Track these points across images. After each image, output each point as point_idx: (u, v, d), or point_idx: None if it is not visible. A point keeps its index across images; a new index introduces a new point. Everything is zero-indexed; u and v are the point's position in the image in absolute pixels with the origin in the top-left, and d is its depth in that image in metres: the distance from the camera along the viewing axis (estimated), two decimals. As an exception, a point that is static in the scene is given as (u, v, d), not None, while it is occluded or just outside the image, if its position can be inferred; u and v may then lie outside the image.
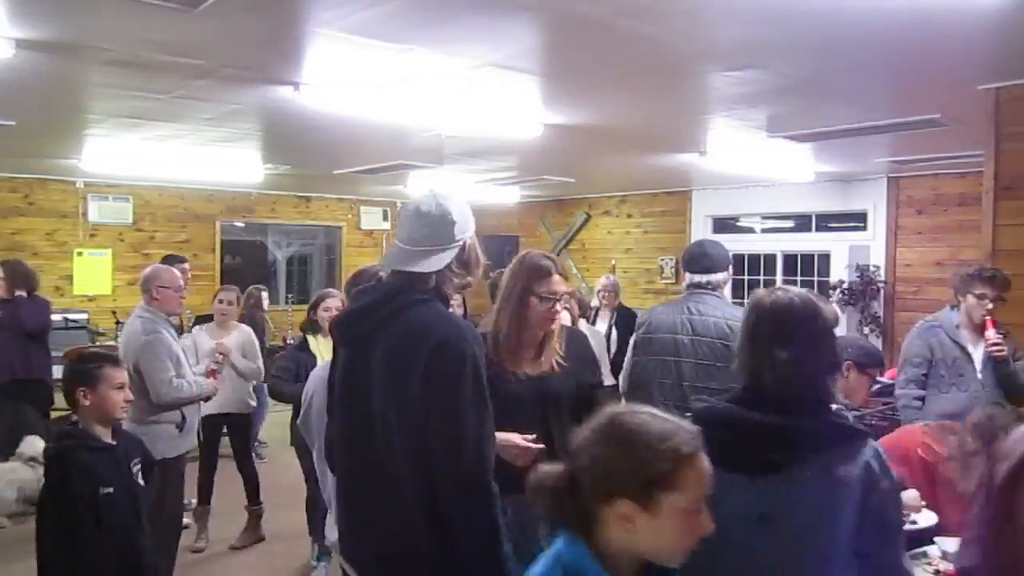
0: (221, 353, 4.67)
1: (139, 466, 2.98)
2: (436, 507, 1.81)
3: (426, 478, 1.81)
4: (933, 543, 2.69)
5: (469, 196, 10.71)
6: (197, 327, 5.63)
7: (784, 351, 1.71)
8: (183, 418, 4.14)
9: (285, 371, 4.66)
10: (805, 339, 1.72)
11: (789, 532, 1.62)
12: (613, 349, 6.45)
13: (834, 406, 1.92)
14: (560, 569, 1.34)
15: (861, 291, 8.85)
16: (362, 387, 1.92)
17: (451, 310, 2.04)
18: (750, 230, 10.84)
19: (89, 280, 10.26)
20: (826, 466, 1.62)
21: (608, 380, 4.51)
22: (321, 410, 2.48)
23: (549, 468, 1.41)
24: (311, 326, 4.81)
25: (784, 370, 1.71)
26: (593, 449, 1.37)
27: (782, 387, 1.71)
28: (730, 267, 3.50)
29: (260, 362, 5.54)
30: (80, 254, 10.28)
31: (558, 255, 13.10)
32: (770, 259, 10.41)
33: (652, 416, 1.39)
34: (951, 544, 2.64)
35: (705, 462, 1.36)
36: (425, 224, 1.89)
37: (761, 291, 1.86)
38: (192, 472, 4.88)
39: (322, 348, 4.62)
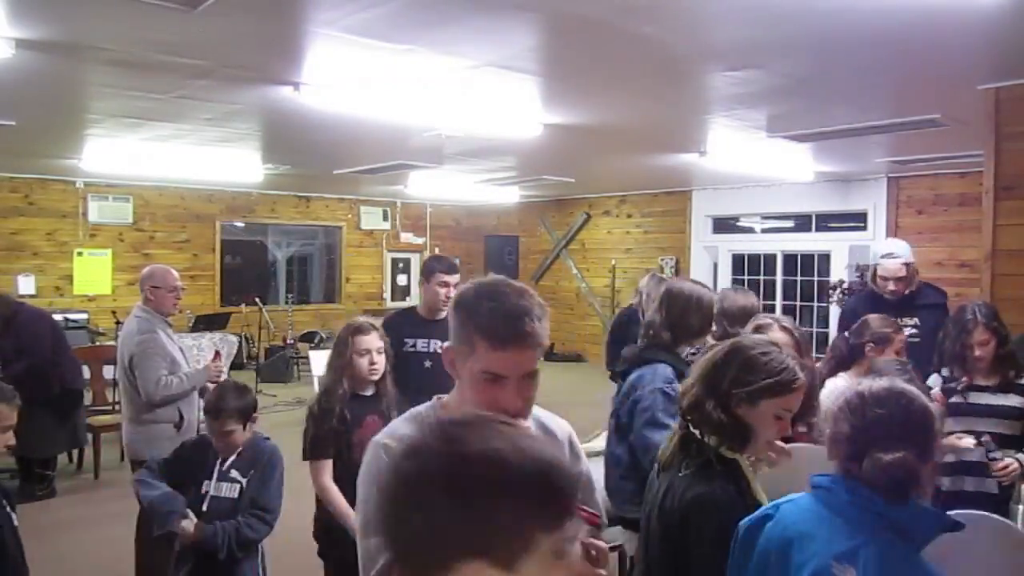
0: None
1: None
2: None
3: None
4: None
5: (469, 196, 10.60)
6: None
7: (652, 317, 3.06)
8: (180, 417, 4.12)
9: None
10: (665, 311, 3.00)
11: (624, 409, 2.96)
12: None
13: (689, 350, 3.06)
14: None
15: (861, 291, 8.82)
16: None
17: None
18: (750, 230, 10.84)
19: (89, 280, 10.27)
20: (631, 375, 2.97)
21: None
22: None
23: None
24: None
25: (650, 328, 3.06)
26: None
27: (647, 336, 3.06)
28: None
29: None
30: (80, 254, 10.29)
31: (558, 255, 13.10)
32: (770, 259, 10.41)
33: None
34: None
35: None
36: None
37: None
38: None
39: None
